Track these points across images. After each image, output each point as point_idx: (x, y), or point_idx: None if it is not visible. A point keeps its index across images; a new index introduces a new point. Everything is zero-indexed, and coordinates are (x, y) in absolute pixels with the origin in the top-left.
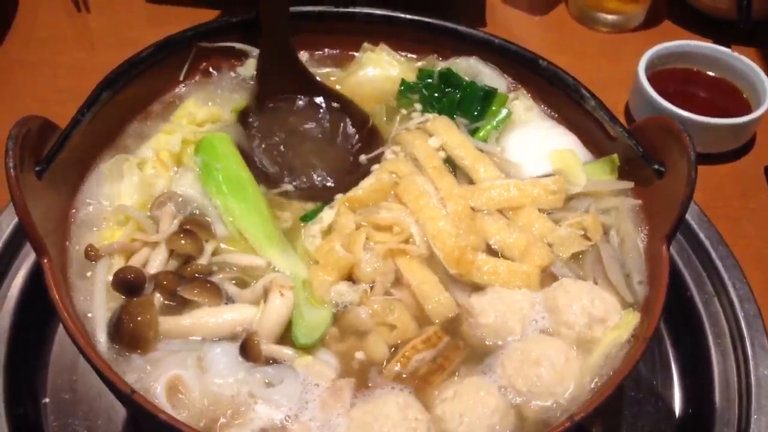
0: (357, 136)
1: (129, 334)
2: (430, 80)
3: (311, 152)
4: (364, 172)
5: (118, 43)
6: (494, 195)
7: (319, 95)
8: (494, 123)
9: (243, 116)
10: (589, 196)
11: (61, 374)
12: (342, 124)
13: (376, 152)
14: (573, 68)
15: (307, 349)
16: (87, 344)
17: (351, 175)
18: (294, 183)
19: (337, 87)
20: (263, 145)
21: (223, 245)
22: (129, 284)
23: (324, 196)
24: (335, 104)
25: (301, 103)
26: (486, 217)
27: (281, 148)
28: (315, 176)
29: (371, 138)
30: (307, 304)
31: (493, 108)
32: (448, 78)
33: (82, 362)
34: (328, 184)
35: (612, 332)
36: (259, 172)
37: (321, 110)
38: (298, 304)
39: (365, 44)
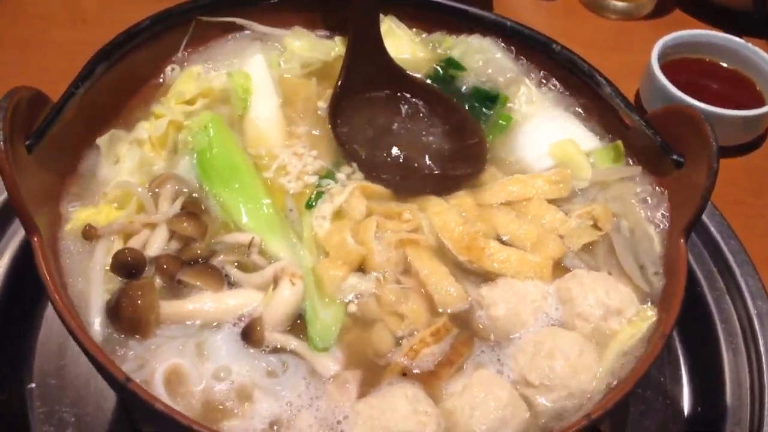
0: (453, 143)
1: (128, 318)
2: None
3: (401, 150)
4: (454, 180)
5: (111, 21)
6: (497, 191)
7: (411, 91)
8: (496, 128)
9: (330, 107)
10: (596, 185)
11: (49, 359)
12: (437, 126)
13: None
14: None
15: None
16: (79, 328)
17: (440, 180)
18: (383, 176)
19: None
20: (351, 138)
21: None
22: (129, 266)
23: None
24: (430, 102)
25: (390, 96)
26: (495, 210)
27: (370, 142)
28: (402, 175)
29: (471, 146)
30: (320, 302)
31: (497, 111)
32: (453, 79)
33: (71, 346)
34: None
35: (629, 327)
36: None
37: (412, 107)
38: (311, 301)
39: None
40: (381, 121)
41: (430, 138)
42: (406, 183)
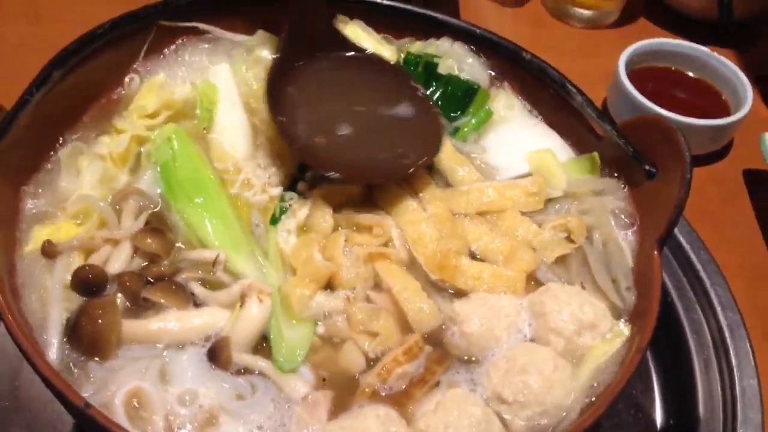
0: (405, 119)
1: (88, 338)
2: (414, 68)
3: (350, 131)
4: (407, 161)
5: (67, 17)
6: (473, 199)
7: (357, 63)
8: (474, 123)
9: (267, 85)
10: (569, 197)
11: (2, 380)
12: (388, 102)
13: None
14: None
15: None
16: (34, 350)
17: (394, 161)
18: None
19: None
20: (292, 114)
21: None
22: (90, 284)
23: (358, 177)
24: (378, 76)
25: (334, 71)
26: (468, 222)
27: (317, 125)
28: (353, 159)
29: (424, 121)
30: (285, 321)
31: (474, 107)
32: (432, 71)
33: (26, 367)
34: (363, 162)
35: (603, 343)
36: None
37: (358, 82)
38: (276, 322)
39: (339, 15)
40: (326, 101)
41: (381, 115)
42: (359, 168)
